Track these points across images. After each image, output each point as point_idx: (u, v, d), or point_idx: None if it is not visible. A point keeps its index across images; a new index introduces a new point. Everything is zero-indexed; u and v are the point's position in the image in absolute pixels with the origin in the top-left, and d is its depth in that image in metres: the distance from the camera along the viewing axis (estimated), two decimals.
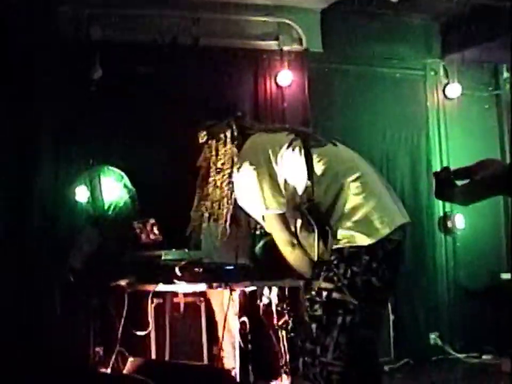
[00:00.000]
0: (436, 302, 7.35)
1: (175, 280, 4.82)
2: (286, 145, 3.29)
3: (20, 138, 5.71)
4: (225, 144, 3.53)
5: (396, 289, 3.35)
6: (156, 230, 5.41)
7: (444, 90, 7.55)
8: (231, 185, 3.48)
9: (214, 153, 3.56)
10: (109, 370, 5.35)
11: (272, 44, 6.94)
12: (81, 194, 5.88)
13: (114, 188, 5.97)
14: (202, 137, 3.62)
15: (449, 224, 7.45)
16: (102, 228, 5.80)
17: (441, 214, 7.50)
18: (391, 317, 6.41)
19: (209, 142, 3.59)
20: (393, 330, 6.44)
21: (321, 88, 6.97)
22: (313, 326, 3.13)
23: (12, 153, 5.76)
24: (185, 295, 5.31)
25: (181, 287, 5.00)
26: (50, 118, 5.89)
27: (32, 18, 5.84)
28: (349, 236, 3.13)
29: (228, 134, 3.54)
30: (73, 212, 5.87)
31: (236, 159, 3.47)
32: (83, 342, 5.57)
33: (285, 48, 6.92)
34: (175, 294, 5.38)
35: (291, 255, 3.30)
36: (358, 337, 3.11)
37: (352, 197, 3.17)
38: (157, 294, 5.41)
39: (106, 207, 5.91)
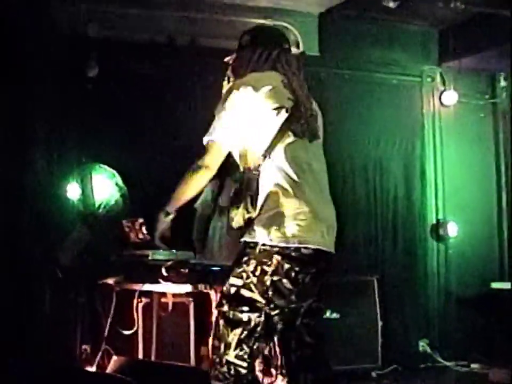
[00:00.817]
0: (426, 309, 7.33)
1: (161, 280, 4.81)
2: (274, 106, 3.21)
3: (12, 134, 5.70)
4: None
5: (314, 298, 3.27)
6: (144, 230, 5.40)
7: (440, 98, 7.53)
8: None
9: None
10: (94, 369, 5.36)
11: None
12: (72, 191, 5.88)
13: (105, 186, 5.96)
14: None
15: (441, 231, 7.44)
16: (92, 226, 5.80)
17: (434, 221, 7.49)
18: (379, 323, 6.40)
19: None
20: (381, 336, 6.42)
21: (317, 92, 6.90)
22: (221, 322, 3.11)
23: (4, 149, 5.76)
24: (174, 295, 5.31)
25: (167, 287, 5.00)
26: (43, 113, 5.88)
27: (29, 14, 5.84)
28: (260, 232, 3.11)
29: None
30: (63, 209, 5.86)
31: None
32: (70, 339, 5.58)
33: None
34: (163, 294, 5.38)
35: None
36: (263, 338, 3.10)
37: (284, 197, 3.12)
38: (144, 293, 5.41)
39: (97, 205, 5.90)
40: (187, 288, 4.83)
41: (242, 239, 3.16)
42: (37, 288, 5.63)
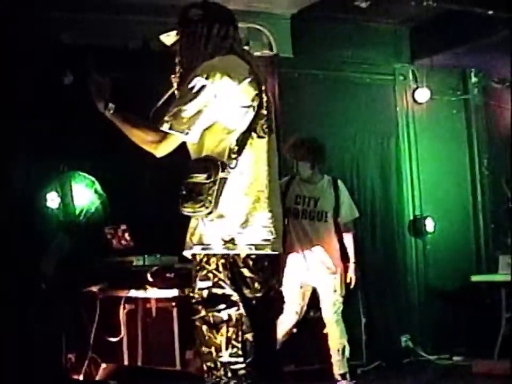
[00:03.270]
0: (407, 304, 7.40)
1: (147, 286, 4.82)
2: (245, 104, 3.01)
3: None
4: None
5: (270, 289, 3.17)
6: (127, 236, 5.41)
7: (413, 95, 7.60)
8: None
9: None
10: (81, 377, 5.35)
11: None
12: (52, 200, 5.87)
13: (85, 194, 5.97)
14: None
15: (419, 227, 7.51)
16: (73, 234, 5.78)
17: (411, 217, 7.56)
18: (363, 320, 6.45)
19: None
20: (365, 333, 6.47)
21: (291, 94, 6.99)
22: (204, 328, 3.02)
23: None
24: (157, 300, 5.32)
25: (152, 293, 5.01)
26: (22, 123, 5.85)
27: (5, 23, 5.83)
28: (213, 237, 3.00)
29: None
30: (44, 218, 5.85)
31: None
32: (55, 349, 5.55)
33: (255, 53, 6.90)
34: (147, 300, 5.39)
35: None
36: (249, 329, 3.02)
37: (241, 203, 3.01)
38: (129, 300, 5.41)
39: (77, 213, 5.90)
40: (174, 292, 4.85)
41: (193, 244, 3.03)
42: (20, 298, 5.60)
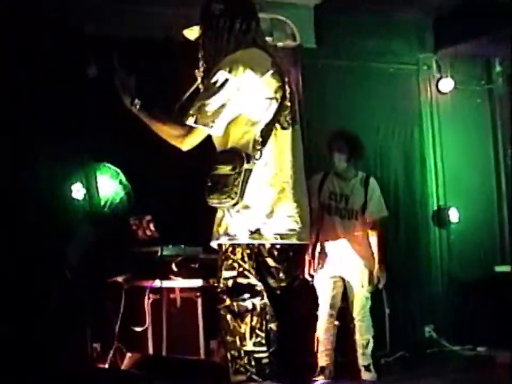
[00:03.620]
0: (431, 295, 7.40)
1: (172, 276, 4.86)
2: (268, 96, 3.07)
3: (15, 136, 5.72)
4: None
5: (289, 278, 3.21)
6: (152, 226, 5.45)
7: (436, 85, 7.58)
8: None
9: None
10: (106, 366, 5.40)
11: None
12: (77, 191, 5.91)
13: (110, 185, 6.00)
14: None
15: (443, 217, 7.50)
16: (98, 225, 5.83)
17: (435, 207, 7.55)
18: (386, 311, 6.46)
19: None
20: (389, 323, 6.48)
21: (315, 84, 6.99)
22: (228, 317, 3.08)
23: (6, 150, 5.77)
24: (181, 290, 5.37)
25: (177, 283, 5.04)
26: (46, 115, 5.89)
27: (26, 16, 5.86)
28: (239, 228, 3.04)
29: None
30: (69, 209, 5.90)
31: None
32: (80, 339, 5.61)
33: (279, 44, 6.91)
34: (172, 290, 5.44)
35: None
36: (274, 318, 3.06)
37: (277, 194, 3.06)
38: (153, 290, 5.46)
39: (102, 204, 5.94)
40: (198, 282, 4.88)
41: (220, 235, 3.09)
42: (46, 289, 5.66)
